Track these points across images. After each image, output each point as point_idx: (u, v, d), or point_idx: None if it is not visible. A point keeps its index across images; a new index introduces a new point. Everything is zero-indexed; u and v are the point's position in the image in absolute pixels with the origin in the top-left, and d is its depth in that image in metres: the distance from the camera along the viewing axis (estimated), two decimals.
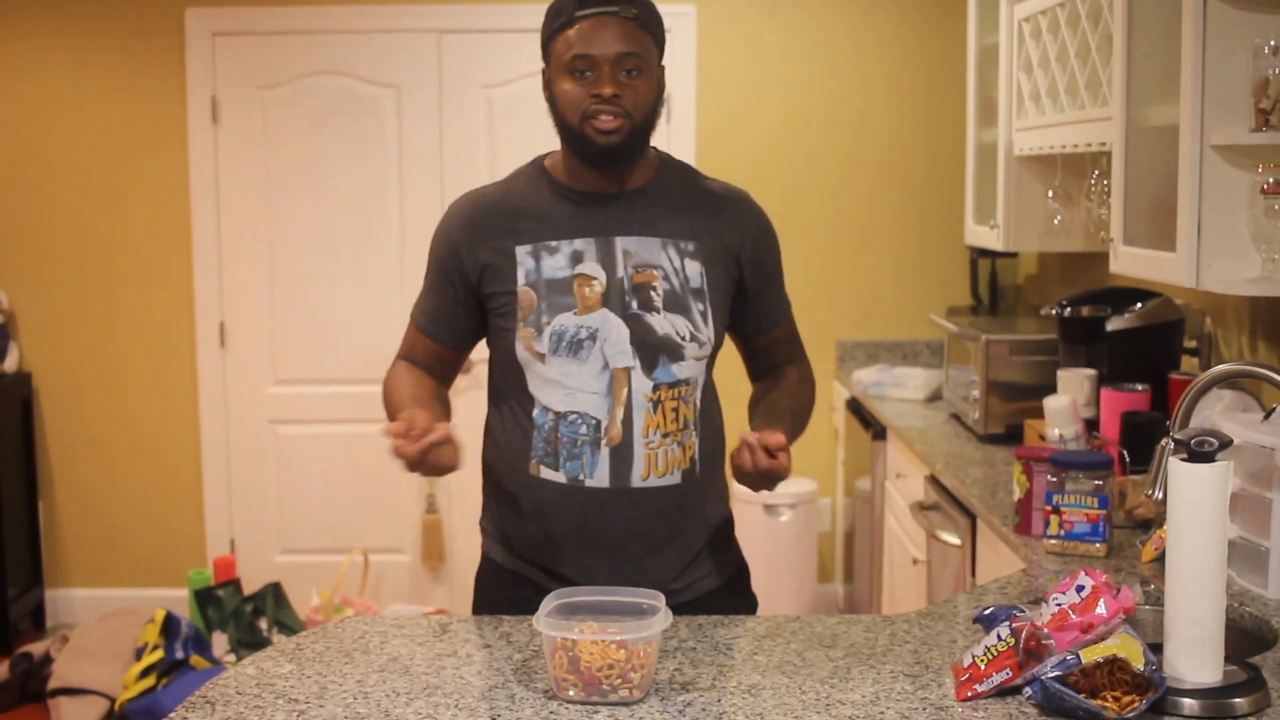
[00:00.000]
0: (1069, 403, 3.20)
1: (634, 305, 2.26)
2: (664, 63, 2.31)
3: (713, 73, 5.39)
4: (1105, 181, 3.56)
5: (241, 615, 4.94)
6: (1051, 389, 3.50)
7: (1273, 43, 2.60)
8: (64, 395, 5.55)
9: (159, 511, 5.59)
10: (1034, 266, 5.19)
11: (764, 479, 2.20)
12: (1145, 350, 3.38)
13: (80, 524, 5.61)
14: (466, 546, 5.43)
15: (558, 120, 2.25)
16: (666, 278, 2.27)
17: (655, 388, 2.25)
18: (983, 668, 1.84)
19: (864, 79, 5.42)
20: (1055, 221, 4.05)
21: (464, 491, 5.43)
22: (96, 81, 5.40)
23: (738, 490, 5.25)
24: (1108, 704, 1.72)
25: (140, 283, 5.50)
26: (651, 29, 2.25)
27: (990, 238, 4.39)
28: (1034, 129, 3.92)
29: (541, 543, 2.33)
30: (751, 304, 2.40)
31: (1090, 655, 1.78)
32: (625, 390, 2.24)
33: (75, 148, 5.44)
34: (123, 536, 5.61)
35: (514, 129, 5.33)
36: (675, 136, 5.37)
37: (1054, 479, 2.65)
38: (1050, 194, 4.04)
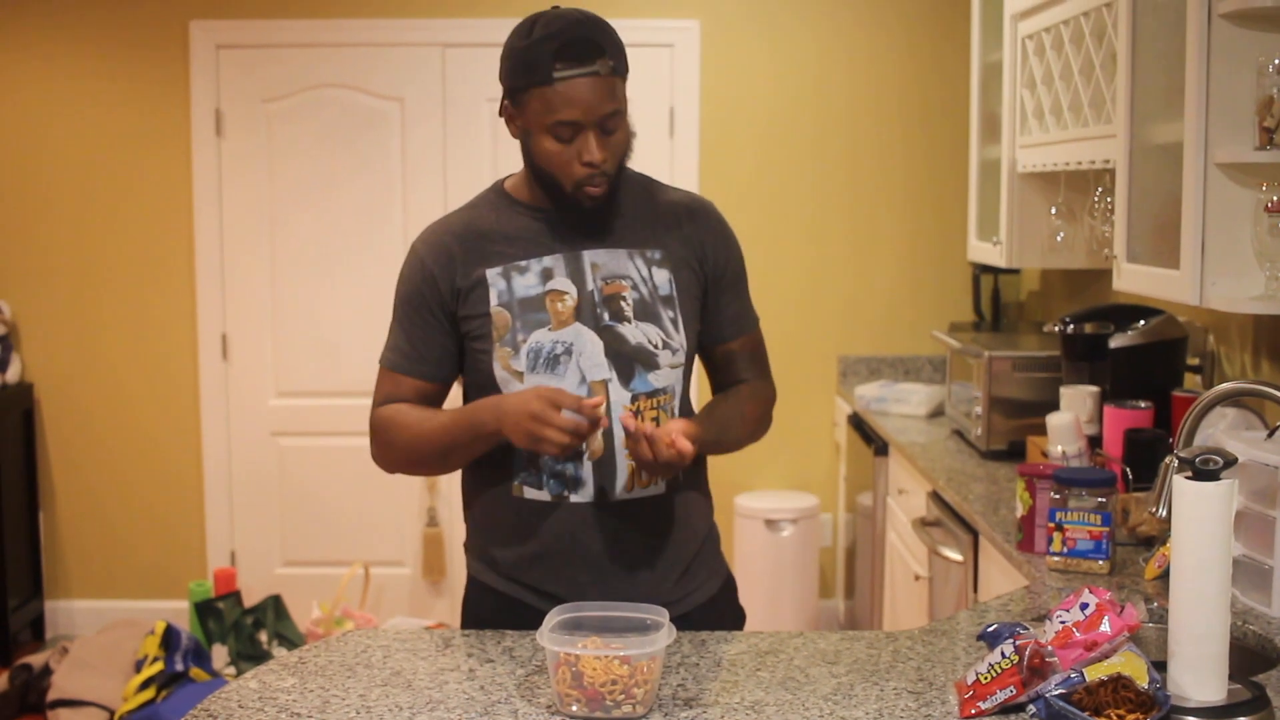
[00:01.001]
0: (1072, 419, 3.20)
1: (605, 317, 2.26)
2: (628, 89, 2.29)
3: (715, 87, 5.40)
4: (1109, 199, 3.56)
5: (242, 628, 4.93)
6: (1054, 406, 3.50)
7: (1277, 61, 2.60)
8: (65, 406, 5.55)
9: (160, 523, 5.59)
10: (1037, 283, 5.19)
11: (662, 468, 2.17)
12: (1148, 367, 3.38)
13: (81, 535, 5.61)
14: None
15: (538, 172, 2.25)
16: (635, 287, 2.28)
17: (634, 398, 2.25)
18: (986, 685, 1.84)
19: (867, 94, 5.42)
20: (1058, 238, 4.05)
21: None
22: (101, 93, 5.41)
23: (739, 505, 5.25)
24: None
25: (143, 294, 5.50)
26: (623, 72, 2.22)
27: (993, 254, 4.39)
28: (1037, 146, 3.92)
29: (529, 562, 2.32)
30: (709, 311, 2.39)
31: (1094, 673, 1.77)
32: (605, 400, 2.23)
33: (79, 159, 5.44)
34: (123, 548, 5.60)
35: (516, 142, 5.31)
36: (678, 150, 5.38)
37: (1057, 496, 2.65)
38: (1053, 211, 4.05)
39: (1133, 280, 3.11)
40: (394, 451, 2.36)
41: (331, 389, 5.50)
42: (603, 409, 2.17)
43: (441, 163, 5.43)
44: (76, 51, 5.40)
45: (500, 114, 2.29)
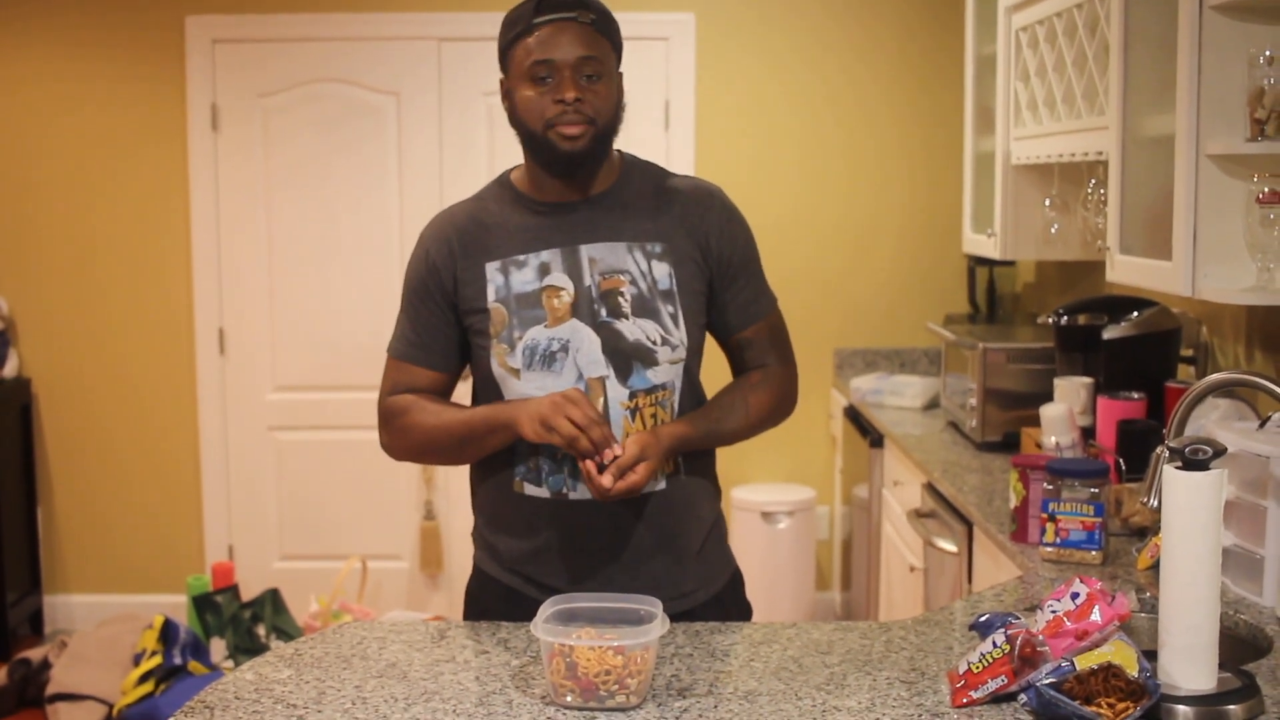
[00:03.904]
0: (1065, 411, 3.21)
1: (603, 313, 2.25)
2: (622, 69, 2.31)
3: (711, 81, 5.41)
4: (1102, 190, 3.57)
5: (240, 621, 4.94)
6: (1048, 397, 3.51)
7: (1268, 53, 2.61)
8: (63, 401, 5.56)
9: (158, 518, 5.60)
10: (1031, 275, 5.20)
11: (614, 501, 2.19)
12: (1142, 359, 3.39)
13: (79, 530, 5.62)
14: (464, 554, 5.39)
15: (520, 129, 2.26)
16: (634, 282, 2.26)
17: (631, 395, 2.24)
18: (978, 674, 1.85)
19: (862, 88, 5.43)
20: (1052, 230, 4.06)
21: (462, 499, 5.41)
22: (96, 88, 5.42)
23: (736, 498, 5.27)
24: (1102, 711, 1.73)
25: (140, 289, 5.51)
26: (609, 34, 2.25)
27: (988, 246, 4.40)
28: (1031, 138, 3.93)
29: (530, 557, 2.33)
30: (719, 301, 2.36)
31: (1085, 662, 1.78)
32: (601, 400, 2.22)
33: (75, 154, 5.45)
34: (121, 542, 5.61)
35: (513, 136, 5.29)
36: (674, 144, 5.38)
37: (1050, 487, 2.66)
38: (1047, 203, 4.06)
39: (1125, 272, 3.12)
40: (408, 439, 2.35)
41: (329, 383, 5.50)
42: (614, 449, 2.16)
43: (438, 157, 5.43)
44: (73, 46, 5.40)
45: (503, 100, 2.30)
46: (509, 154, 5.54)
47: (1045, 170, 4.06)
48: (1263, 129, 2.63)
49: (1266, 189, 2.62)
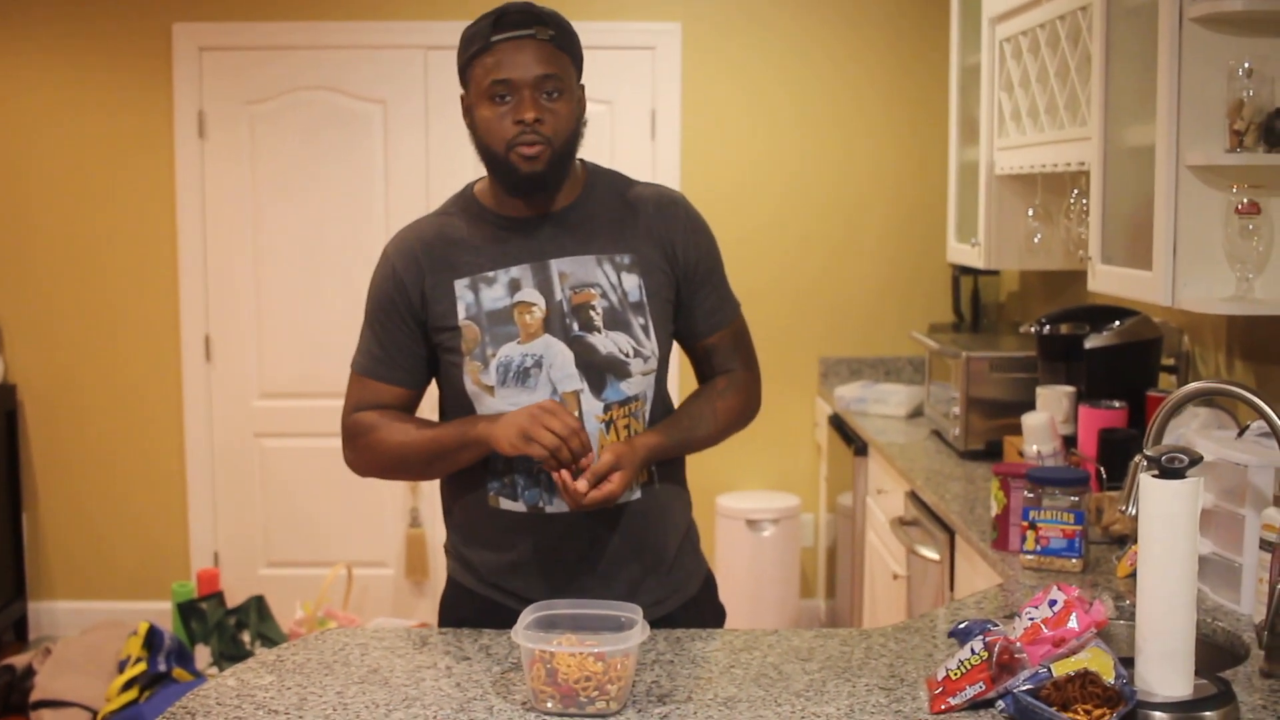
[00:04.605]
0: (1047, 420, 3.22)
1: (575, 327, 2.25)
2: (583, 81, 2.29)
3: (697, 90, 5.42)
4: (1084, 200, 3.59)
5: (224, 628, 4.94)
6: (1031, 406, 3.53)
7: (1247, 65, 2.63)
8: (49, 408, 5.55)
9: (143, 524, 5.60)
10: (1015, 284, 5.22)
11: (588, 509, 2.19)
12: (1123, 368, 3.41)
13: (64, 536, 5.61)
14: None
15: (480, 147, 2.24)
16: (605, 295, 2.26)
17: (606, 408, 2.25)
18: (956, 681, 1.86)
19: (847, 97, 5.45)
20: (1035, 240, 4.07)
21: None
22: (83, 95, 5.42)
23: (721, 505, 5.28)
24: (1079, 717, 1.75)
25: (126, 296, 5.50)
26: (569, 49, 2.23)
27: (972, 255, 4.42)
28: (1015, 148, 3.95)
29: (507, 570, 2.33)
30: (685, 308, 2.37)
31: (1062, 669, 1.80)
32: (576, 414, 2.22)
33: (61, 161, 5.45)
34: (107, 549, 5.60)
35: None
36: (659, 153, 5.40)
37: (1031, 495, 2.67)
38: (1030, 213, 4.07)
39: (1107, 281, 3.14)
40: (373, 455, 2.36)
41: (314, 390, 5.50)
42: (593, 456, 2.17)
43: (424, 165, 5.44)
44: (60, 54, 5.40)
45: (464, 116, 2.29)
46: None
47: (1029, 180, 4.08)
48: (1241, 140, 2.65)
49: (1245, 200, 2.64)
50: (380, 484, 5.38)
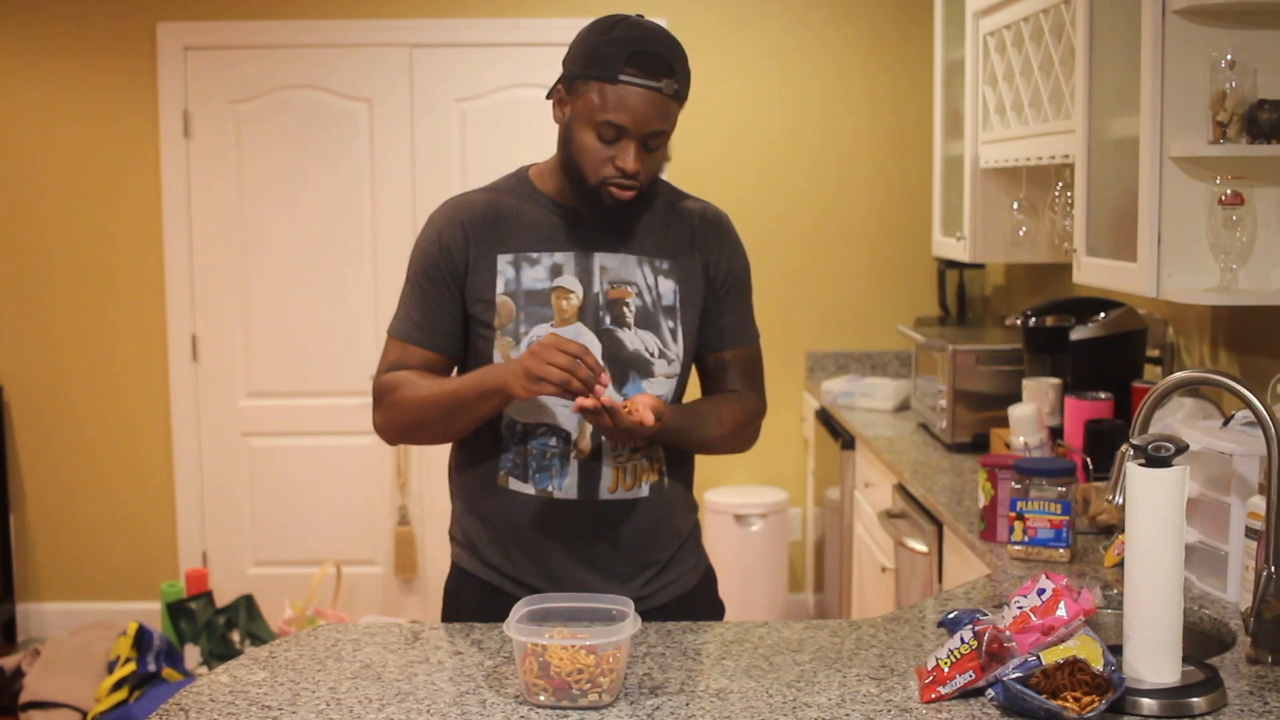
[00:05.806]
0: (1034, 411, 3.24)
1: (607, 320, 2.29)
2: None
3: None
4: (1068, 193, 3.61)
5: (214, 628, 4.94)
6: (1017, 398, 3.55)
7: (1229, 56, 2.65)
8: (35, 408, 5.54)
9: (131, 524, 5.59)
10: (1001, 277, 5.24)
11: (622, 434, 2.18)
12: (1109, 359, 3.42)
13: (52, 537, 5.60)
14: (438, 558, 5.44)
15: (568, 160, 2.24)
16: (640, 294, 2.30)
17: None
18: (946, 670, 1.88)
19: (833, 92, 5.47)
20: (1020, 233, 4.09)
21: (435, 504, 5.45)
22: (68, 95, 5.41)
23: (709, 501, 5.29)
24: (1068, 704, 1.75)
25: (112, 296, 5.50)
26: (683, 99, 2.24)
27: (957, 249, 4.44)
28: (999, 142, 3.97)
29: (510, 553, 2.35)
30: (707, 318, 2.40)
31: (1051, 657, 1.81)
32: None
33: (46, 161, 5.44)
34: (95, 550, 5.60)
35: (485, 142, 5.36)
36: None
37: (1018, 486, 2.68)
38: (1015, 206, 4.09)
39: (1092, 273, 3.16)
40: (399, 413, 2.32)
41: (301, 389, 5.50)
42: (607, 385, 2.14)
43: (410, 163, 5.44)
44: (44, 54, 5.38)
45: (548, 96, 2.29)
46: (480, 159, 5.53)
47: (1013, 174, 4.09)
48: (1225, 131, 2.67)
49: (1229, 191, 2.66)
50: (368, 482, 5.40)
